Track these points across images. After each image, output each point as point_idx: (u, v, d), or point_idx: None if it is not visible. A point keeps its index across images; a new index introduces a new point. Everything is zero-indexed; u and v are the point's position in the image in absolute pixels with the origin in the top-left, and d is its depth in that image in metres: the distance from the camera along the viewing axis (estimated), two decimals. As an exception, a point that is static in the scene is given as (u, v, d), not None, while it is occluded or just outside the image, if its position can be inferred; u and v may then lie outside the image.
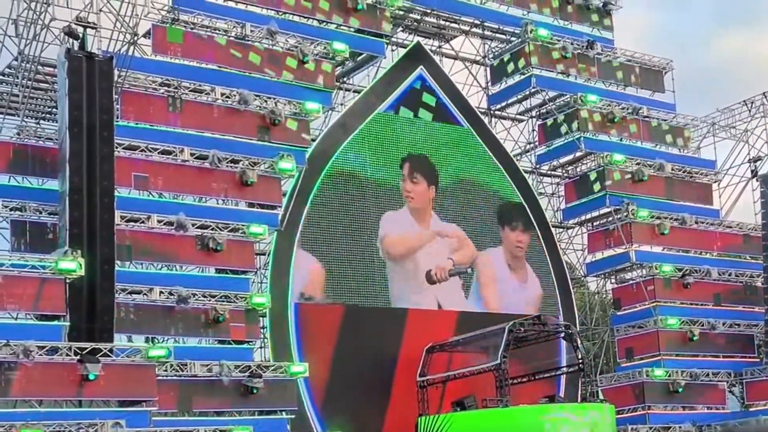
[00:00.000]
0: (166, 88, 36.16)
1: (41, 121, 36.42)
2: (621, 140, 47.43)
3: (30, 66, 34.09)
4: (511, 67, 46.53)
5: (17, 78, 34.87)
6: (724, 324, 47.13)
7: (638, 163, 47.00)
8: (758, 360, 47.37)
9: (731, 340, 47.41)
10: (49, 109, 36.21)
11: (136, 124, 35.48)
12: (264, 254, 38.89)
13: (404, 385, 40.19)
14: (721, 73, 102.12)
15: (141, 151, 35.25)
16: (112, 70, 32.44)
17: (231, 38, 37.79)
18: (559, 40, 46.33)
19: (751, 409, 46.11)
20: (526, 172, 47.42)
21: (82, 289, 30.95)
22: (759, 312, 47.44)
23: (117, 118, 33.53)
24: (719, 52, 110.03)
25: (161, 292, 34.73)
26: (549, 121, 47.58)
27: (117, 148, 33.20)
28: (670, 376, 44.55)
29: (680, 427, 43.00)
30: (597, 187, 46.48)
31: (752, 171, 49.64)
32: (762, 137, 49.74)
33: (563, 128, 46.34)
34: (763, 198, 47.24)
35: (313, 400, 38.33)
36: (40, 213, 33.39)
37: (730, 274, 48.27)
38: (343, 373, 39.36)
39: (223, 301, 35.76)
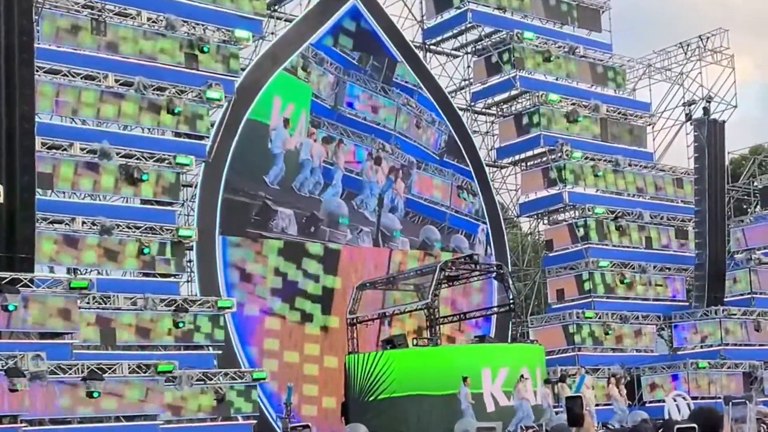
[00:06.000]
0: (89, 10, 34.66)
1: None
2: (557, 80, 46.76)
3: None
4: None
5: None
6: (654, 267, 47.01)
7: (573, 104, 46.45)
8: (687, 304, 47.39)
9: (661, 283, 47.31)
10: (-36, 29, 34.44)
11: (58, 47, 34.03)
12: (191, 186, 37.73)
13: (339, 324, 39.42)
14: (654, 13, 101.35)
15: (63, 75, 33.81)
16: (31, -12, 31.02)
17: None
18: (495, -27, 45.34)
19: (678, 353, 46.16)
20: (460, 109, 46.54)
21: (0, 218, 29.82)
22: (689, 256, 47.39)
23: (37, 40, 32.16)
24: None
25: (84, 223, 33.52)
26: (485, 58, 46.60)
27: (38, 71, 31.97)
28: (600, 318, 44.40)
29: (609, 368, 42.77)
30: (532, 126, 45.77)
31: (686, 115, 49.34)
32: (697, 81, 49.50)
33: (503, 65, 45.39)
34: (696, 142, 46.93)
35: (242, 336, 37.43)
36: (-45, 137, 31.83)
37: (662, 218, 48.08)
38: (275, 311, 38.66)
39: (148, 233, 34.70)
